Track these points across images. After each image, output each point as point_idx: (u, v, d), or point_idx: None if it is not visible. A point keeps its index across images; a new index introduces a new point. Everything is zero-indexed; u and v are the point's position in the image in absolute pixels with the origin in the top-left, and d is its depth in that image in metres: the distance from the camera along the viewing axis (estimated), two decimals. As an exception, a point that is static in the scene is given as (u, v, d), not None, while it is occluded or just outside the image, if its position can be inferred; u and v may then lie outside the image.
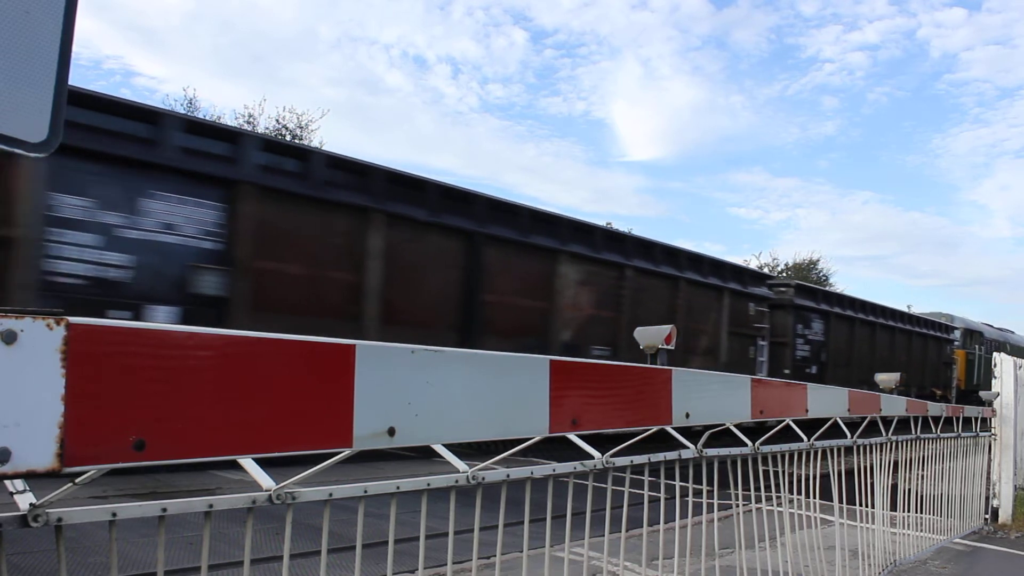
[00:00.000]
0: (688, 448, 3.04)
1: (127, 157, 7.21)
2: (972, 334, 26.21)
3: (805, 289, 17.76)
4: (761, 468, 3.59)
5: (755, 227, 62.22)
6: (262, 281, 8.19)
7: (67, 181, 6.85)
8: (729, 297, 14.26)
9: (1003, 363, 7.10)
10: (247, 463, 1.65)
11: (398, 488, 1.95)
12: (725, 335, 14.14)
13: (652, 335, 3.01)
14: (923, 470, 5.88)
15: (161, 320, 7.30)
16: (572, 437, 2.32)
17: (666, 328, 3.01)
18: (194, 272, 7.66)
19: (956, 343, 24.91)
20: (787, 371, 16.06)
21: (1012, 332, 30.91)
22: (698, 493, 3.19)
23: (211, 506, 1.61)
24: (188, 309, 7.63)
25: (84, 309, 6.65)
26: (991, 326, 28.81)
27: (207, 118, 22.53)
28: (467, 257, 10.19)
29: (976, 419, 6.91)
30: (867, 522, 4.82)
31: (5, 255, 6.57)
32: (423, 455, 8.44)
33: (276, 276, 8.36)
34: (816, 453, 4.17)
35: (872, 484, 4.91)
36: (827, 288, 18.45)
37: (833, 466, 4.36)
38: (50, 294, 6.72)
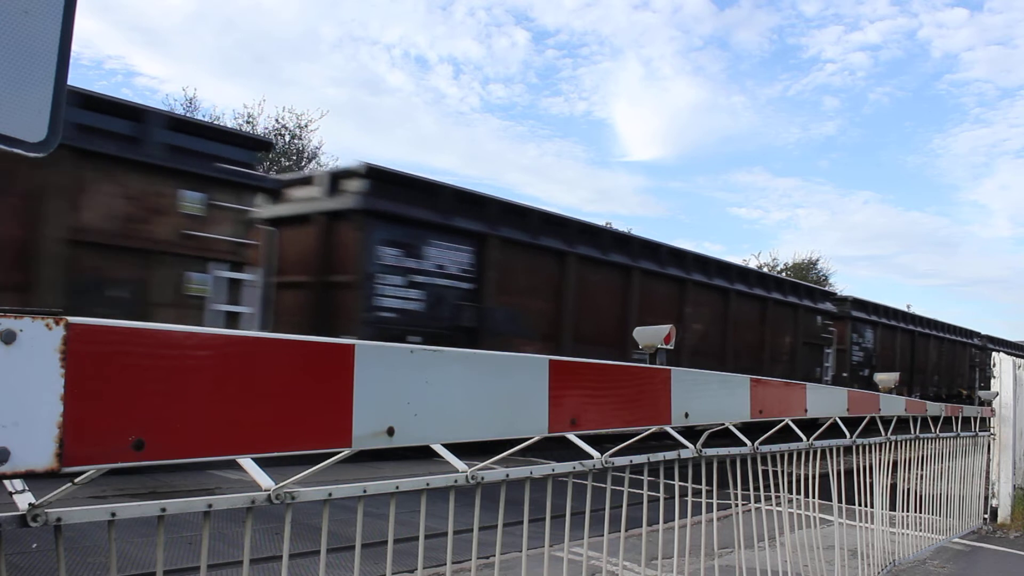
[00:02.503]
0: (687, 448, 3.04)
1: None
2: None
3: (991, 339, 25.76)
4: (760, 468, 3.59)
5: (755, 227, 62.27)
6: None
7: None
8: (976, 352, 24.85)
9: (1002, 363, 7.10)
10: (246, 463, 1.64)
11: (397, 488, 1.95)
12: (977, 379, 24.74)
13: (651, 335, 3.01)
14: (922, 470, 5.88)
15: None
16: (571, 437, 2.33)
17: (665, 328, 3.01)
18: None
19: None
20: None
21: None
22: (697, 493, 3.19)
23: (210, 506, 1.61)
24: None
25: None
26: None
27: (203, 118, 22.50)
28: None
29: (975, 419, 6.91)
30: (866, 522, 4.82)
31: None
32: (422, 455, 8.44)
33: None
34: (815, 453, 4.17)
35: (871, 484, 4.92)
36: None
37: (832, 466, 4.36)
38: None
